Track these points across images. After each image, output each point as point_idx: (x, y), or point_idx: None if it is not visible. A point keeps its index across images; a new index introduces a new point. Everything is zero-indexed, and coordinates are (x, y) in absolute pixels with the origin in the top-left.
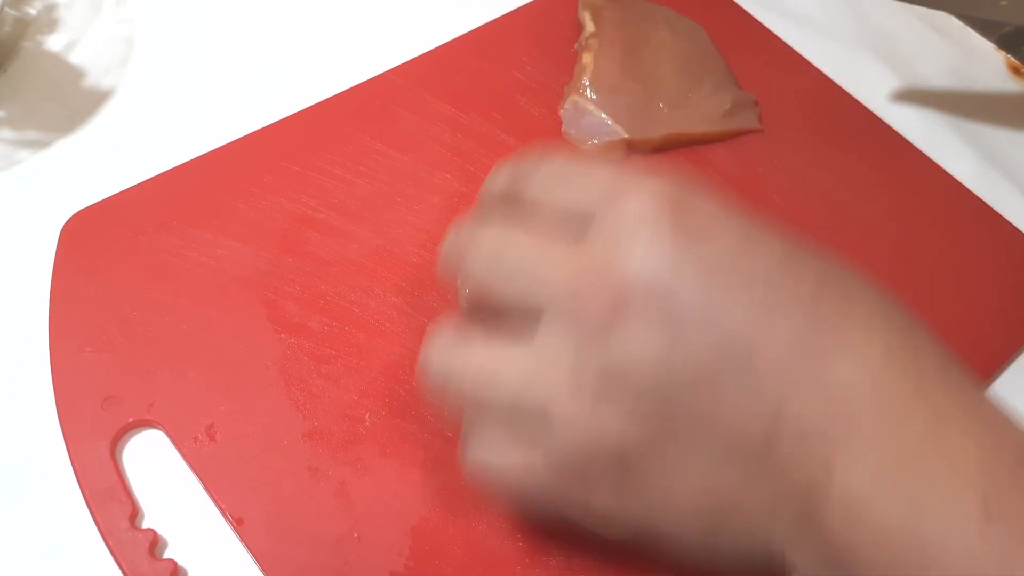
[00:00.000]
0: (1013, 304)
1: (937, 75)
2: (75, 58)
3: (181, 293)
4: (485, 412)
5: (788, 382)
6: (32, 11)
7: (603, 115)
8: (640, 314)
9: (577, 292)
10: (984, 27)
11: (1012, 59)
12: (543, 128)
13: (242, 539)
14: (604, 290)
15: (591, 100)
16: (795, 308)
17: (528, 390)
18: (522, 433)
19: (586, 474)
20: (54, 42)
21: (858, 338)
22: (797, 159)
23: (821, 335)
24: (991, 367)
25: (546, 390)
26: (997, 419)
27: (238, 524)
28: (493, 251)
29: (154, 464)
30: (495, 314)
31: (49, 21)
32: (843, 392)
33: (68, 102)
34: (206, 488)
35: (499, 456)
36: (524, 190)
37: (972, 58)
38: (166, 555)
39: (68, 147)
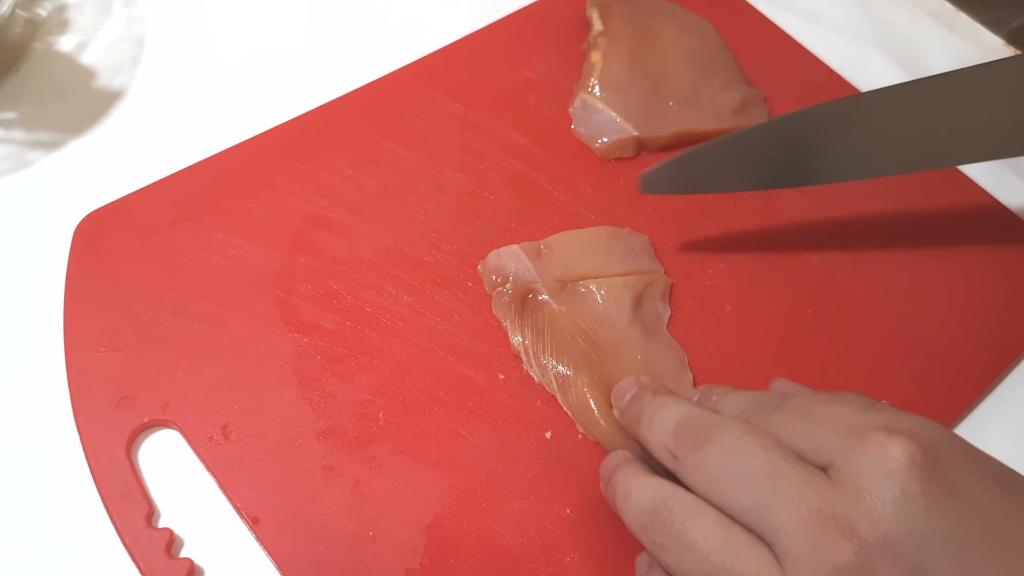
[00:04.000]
0: (1022, 299)
1: (946, 70)
2: (86, 58)
3: (194, 293)
4: None
5: None
6: (42, 12)
7: (612, 113)
8: (888, 572)
9: (818, 535)
10: (993, 23)
11: (1020, 54)
12: (553, 126)
13: (258, 537)
14: (849, 541)
15: (600, 98)
16: None
17: None
18: None
19: None
20: (65, 43)
21: None
22: None
23: None
24: (998, 367)
25: None
26: None
27: (254, 523)
28: (734, 449)
29: (170, 463)
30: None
31: (59, 22)
32: None
33: (79, 102)
34: (221, 487)
35: None
36: (763, 422)
37: (981, 54)
38: (182, 554)
39: (80, 148)
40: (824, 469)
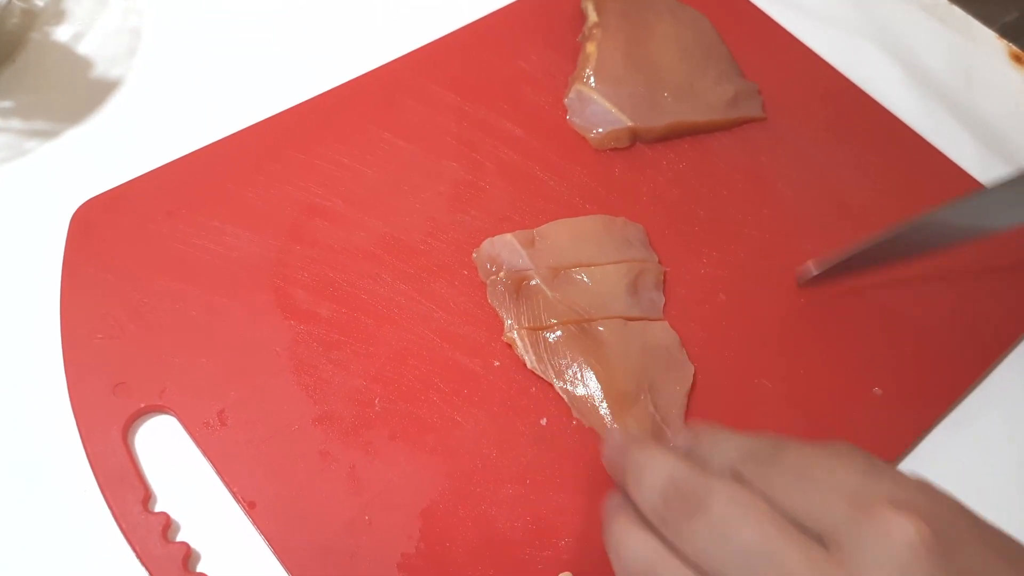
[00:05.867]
0: (1014, 287)
1: (939, 63)
2: (83, 49)
3: (191, 280)
4: None
5: None
6: (39, 2)
7: (607, 104)
8: None
9: None
10: (985, 16)
11: (1013, 47)
12: (548, 117)
13: (254, 522)
14: None
15: (595, 89)
16: None
17: None
18: None
19: None
20: (62, 33)
21: None
22: (801, 147)
23: None
24: (990, 354)
25: None
26: None
27: (250, 507)
28: (729, 521)
29: (166, 449)
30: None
31: (56, 12)
32: None
33: (76, 92)
34: (218, 472)
35: None
36: (758, 477)
37: (974, 46)
38: (179, 538)
39: (77, 137)
40: (822, 539)
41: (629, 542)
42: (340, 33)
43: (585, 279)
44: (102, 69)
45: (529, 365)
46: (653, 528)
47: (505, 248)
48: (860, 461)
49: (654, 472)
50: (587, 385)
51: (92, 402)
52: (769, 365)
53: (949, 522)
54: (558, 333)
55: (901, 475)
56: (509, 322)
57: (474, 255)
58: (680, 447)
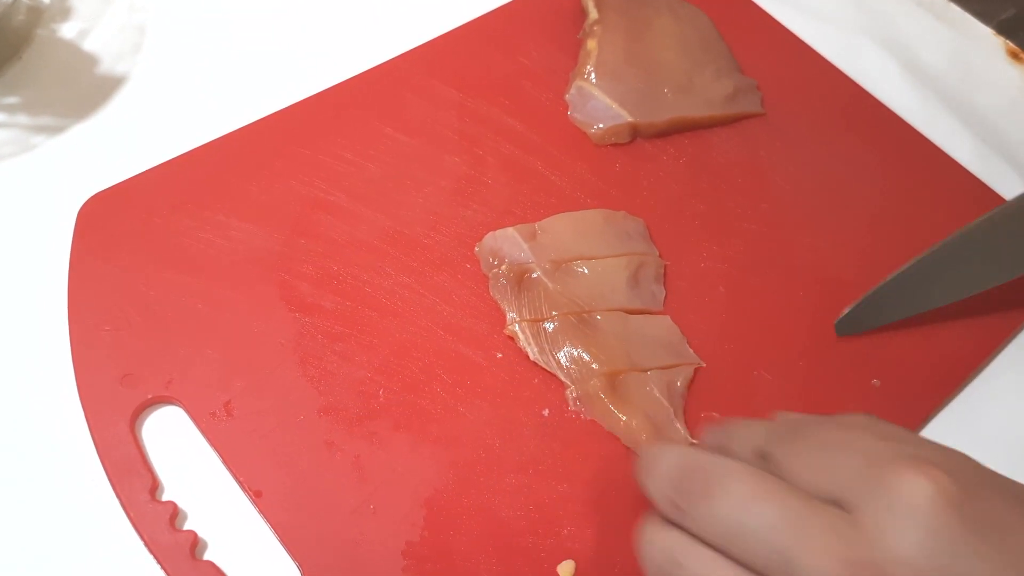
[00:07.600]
0: (1010, 283)
1: (937, 60)
2: (88, 45)
3: (196, 274)
4: None
5: None
6: (45, 0)
7: (608, 100)
8: None
9: None
10: (982, 13)
11: (1010, 44)
12: (549, 113)
13: (260, 511)
14: None
15: (596, 85)
16: None
17: None
18: None
19: None
20: (67, 30)
21: None
22: (799, 142)
23: None
24: (988, 345)
25: None
26: None
27: (256, 496)
28: (745, 499)
29: (173, 439)
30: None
31: (62, 9)
32: None
33: (82, 88)
34: (224, 462)
35: None
36: (781, 457)
37: (971, 43)
38: (186, 526)
39: (83, 132)
40: (844, 506)
41: (653, 539)
42: (343, 30)
43: (586, 272)
44: (107, 65)
45: (532, 357)
46: (675, 525)
47: (507, 241)
48: (877, 427)
49: (664, 461)
50: (586, 369)
51: (100, 393)
52: (768, 357)
53: (965, 474)
54: (559, 324)
55: (916, 436)
56: (511, 315)
57: (476, 249)
58: (705, 443)
